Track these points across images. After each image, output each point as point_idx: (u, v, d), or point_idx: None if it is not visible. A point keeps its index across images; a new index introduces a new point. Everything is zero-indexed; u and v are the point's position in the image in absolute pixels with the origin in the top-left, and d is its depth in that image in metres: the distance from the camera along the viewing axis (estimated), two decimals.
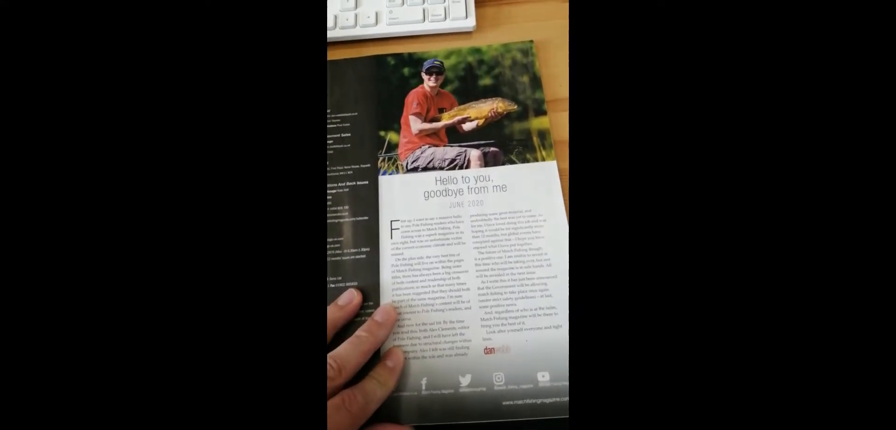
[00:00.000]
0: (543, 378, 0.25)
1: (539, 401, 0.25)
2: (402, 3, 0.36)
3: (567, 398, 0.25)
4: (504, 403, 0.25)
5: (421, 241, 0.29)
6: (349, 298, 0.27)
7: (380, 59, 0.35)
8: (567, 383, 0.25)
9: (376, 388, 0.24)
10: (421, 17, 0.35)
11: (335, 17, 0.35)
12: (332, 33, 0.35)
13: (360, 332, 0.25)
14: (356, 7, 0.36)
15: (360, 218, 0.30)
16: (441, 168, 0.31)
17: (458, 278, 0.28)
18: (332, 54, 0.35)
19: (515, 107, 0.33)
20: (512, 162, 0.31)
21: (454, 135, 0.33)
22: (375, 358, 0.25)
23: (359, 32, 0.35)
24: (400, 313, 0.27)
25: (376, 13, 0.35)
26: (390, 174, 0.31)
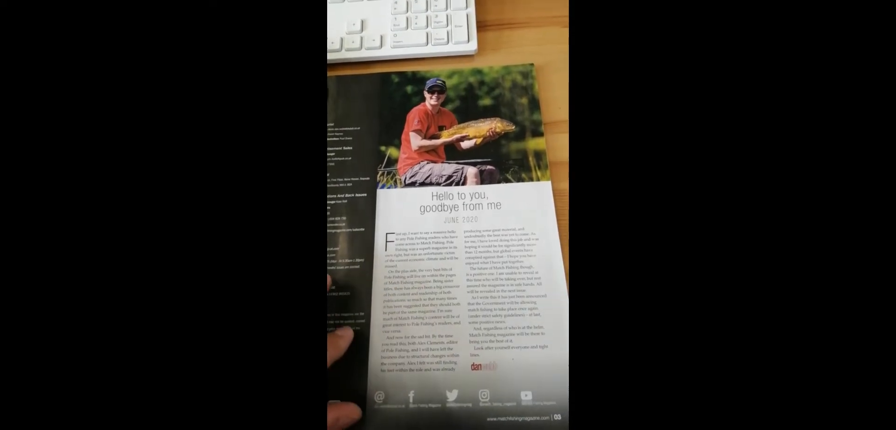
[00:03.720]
0: (526, 397, 0.25)
1: (521, 419, 0.25)
2: (407, 27, 0.37)
3: (548, 418, 0.25)
4: (488, 419, 0.25)
5: (415, 254, 0.30)
6: (342, 332, 0.27)
7: (384, 77, 0.36)
8: (549, 402, 0.25)
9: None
10: (424, 40, 0.37)
11: (341, 39, 0.37)
12: (339, 55, 0.37)
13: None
14: (362, 30, 0.37)
15: (356, 229, 0.31)
16: (438, 184, 0.32)
17: (448, 292, 0.28)
18: (338, 76, 0.37)
19: (513, 127, 0.34)
20: (507, 181, 0.32)
21: (452, 152, 0.33)
22: None
23: (364, 54, 0.37)
24: (386, 319, 0.28)
25: (381, 36, 0.37)
26: (388, 188, 0.32)
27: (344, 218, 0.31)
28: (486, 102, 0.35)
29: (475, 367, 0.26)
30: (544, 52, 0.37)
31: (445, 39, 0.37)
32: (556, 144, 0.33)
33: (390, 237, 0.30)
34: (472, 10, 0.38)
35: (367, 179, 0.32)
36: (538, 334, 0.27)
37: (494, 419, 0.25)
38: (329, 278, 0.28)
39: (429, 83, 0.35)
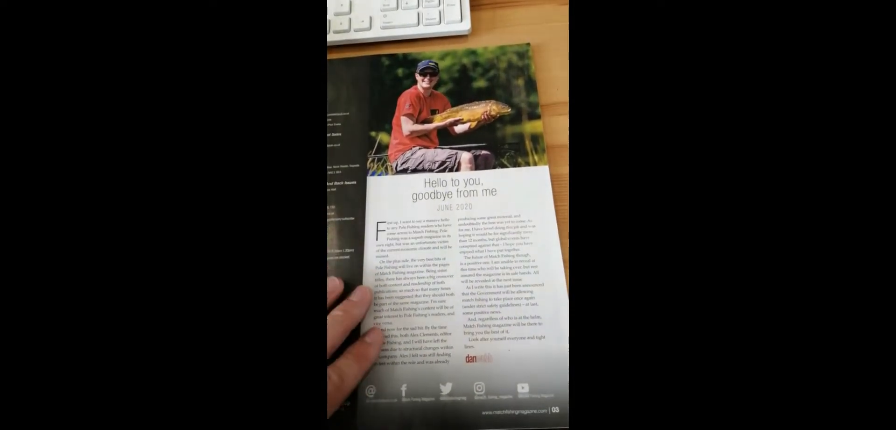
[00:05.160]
0: (523, 390, 0.24)
1: (517, 412, 0.24)
2: (397, 7, 0.36)
3: (545, 411, 0.24)
4: (483, 413, 0.24)
5: (407, 243, 0.28)
6: (331, 286, 0.27)
7: (374, 60, 0.35)
8: (546, 395, 0.24)
9: (352, 364, 0.23)
10: (415, 20, 0.35)
11: (329, 21, 0.36)
12: (327, 38, 0.35)
13: (335, 312, 0.24)
14: (350, 11, 0.36)
15: (346, 218, 0.29)
16: (431, 170, 0.31)
17: (442, 282, 0.27)
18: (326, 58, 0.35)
19: (509, 110, 0.32)
20: (503, 166, 0.30)
21: (446, 137, 0.32)
22: (354, 337, 0.25)
23: (353, 37, 0.35)
24: (377, 310, 0.27)
25: (370, 17, 0.35)
26: (379, 175, 0.31)
27: (333, 207, 0.30)
28: (481, 84, 0.33)
29: (470, 359, 0.25)
30: (541, 32, 0.35)
31: (437, 19, 0.35)
32: (554, 126, 0.32)
33: (381, 226, 0.29)
34: None
35: (357, 166, 0.31)
36: (535, 324, 0.26)
37: (490, 412, 0.24)
38: (340, 283, 0.27)
39: (420, 65, 0.34)
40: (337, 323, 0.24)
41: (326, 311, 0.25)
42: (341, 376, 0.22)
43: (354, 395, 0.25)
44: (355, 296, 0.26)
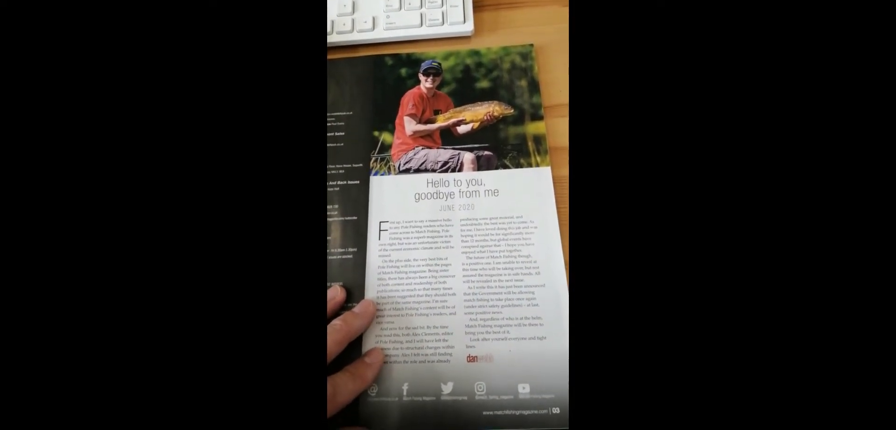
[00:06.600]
0: (524, 390, 0.24)
1: (519, 413, 0.24)
2: (400, 8, 0.36)
3: (546, 411, 0.24)
4: (484, 413, 0.24)
5: (409, 243, 0.29)
6: (332, 293, 0.27)
7: (377, 60, 0.35)
8: (547, 395, 0.24)
9: (348, 381, 0.23)
10: (418, 21, 0.35)
11: (332, 22, 0.36)
12: (329, 38, 0.35)
13: (334, 322, 0.25)
14: (353, 12, 0.36)
15: (349, 218, 0.30)
16: (433, 170, 0.31)
17: (444, 282, 0.27)
18: (329, 59, 0.35)
19: (512, 111, 0.32)
20: (505, 167, 0.31)
21: (449, 137, 0.32)
22: (356, 354, 0.25)
23: (356, 37, 0.35)
24: (379, 309, 0.27)
25: (373, 18, 0.36)
26: (382, 175, 0.31)
27: (336, 206, 0.30)
28: (484, 84, 0.34)
29: (471, 359, 0.25)
30: (544, 33, 0.35)
31: (441, 20, 0.35)
32: (557, 128, 0.32)
33: (384, 226, 0.29)
34: None
35: (360, 165, 0.31)
36: (536, 325, 0.26)
37: (491, 412, 0.24)
38: (342, 291, 0.27)
39: (424, 65, 0.34)
40: (335, 333, 0.24)
41: (326, 318, 0.25)
42: (335, 389, 0.22)
43: None
44: (358, 308, 0.26)
